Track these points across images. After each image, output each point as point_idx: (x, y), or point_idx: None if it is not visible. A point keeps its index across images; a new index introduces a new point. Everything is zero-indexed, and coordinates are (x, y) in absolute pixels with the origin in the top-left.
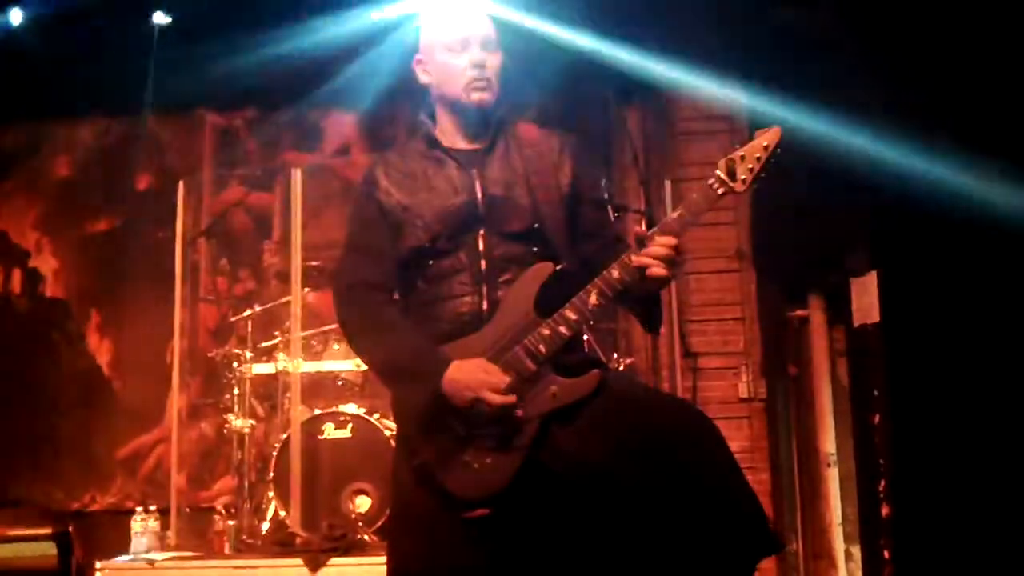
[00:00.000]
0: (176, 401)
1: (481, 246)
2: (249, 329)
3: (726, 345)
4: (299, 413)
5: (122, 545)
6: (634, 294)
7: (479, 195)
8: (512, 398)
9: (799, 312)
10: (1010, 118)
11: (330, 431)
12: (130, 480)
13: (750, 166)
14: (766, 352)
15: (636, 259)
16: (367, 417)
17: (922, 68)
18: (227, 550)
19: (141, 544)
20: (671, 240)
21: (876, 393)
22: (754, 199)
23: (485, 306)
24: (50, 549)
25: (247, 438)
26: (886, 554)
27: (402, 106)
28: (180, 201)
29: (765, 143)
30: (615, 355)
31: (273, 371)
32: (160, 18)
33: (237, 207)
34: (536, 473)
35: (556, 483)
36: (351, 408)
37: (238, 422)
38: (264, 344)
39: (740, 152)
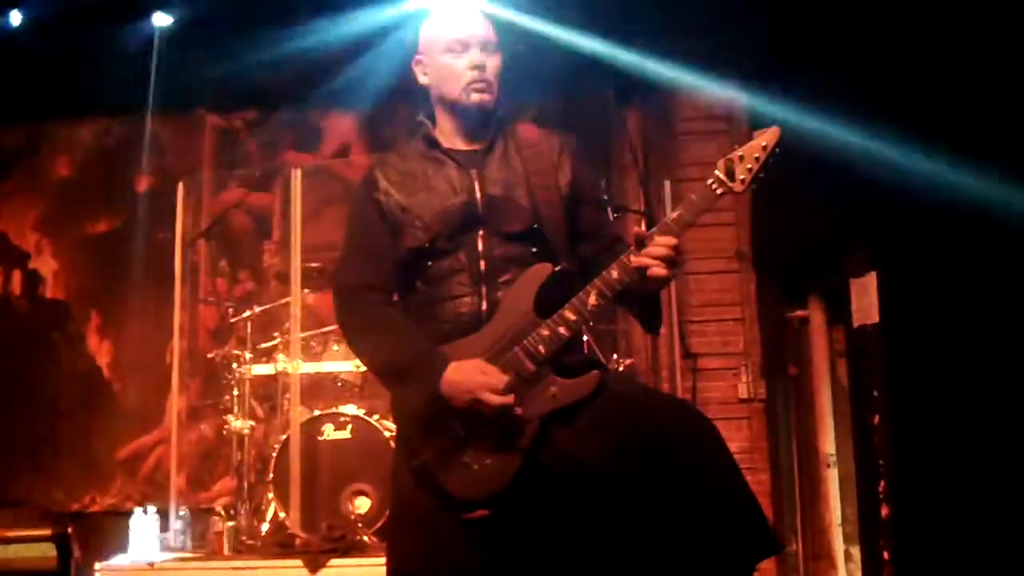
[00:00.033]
0: (176, 402)
1: (480, 247)
2: (249, 330)
3: (726, 346)
4: (299, 414)
5: (121, 546)
6: (633, 295)
7: (478, 196)
8: (510, 398)
9: (799, 313)
10: (1010, 119)
11: (329, 432)
12: (130, 481)
13: (749, 166)
14: (766, 353)
15: (635, 259)
16: (367, 418)
17: (922, 68)
18: (226, 551)
19: (140, 545)
20: (670, 240)
21: (876, 394)
22: (754, 199)
23: (484, 307)
24: (49, 550)
25: (247, 439)
26: (885, 555)
27: (401, 107)
28: (180, 202)
29: (764, 143)
30: (615, 356)
31: (273, 372)
32: (160, 19)
33: (237, 208)
34: (536, 474)
35: (556, 484)
36: (351, 409)
37: (238, 423)
38: (264, 345)
39: (739, 152)
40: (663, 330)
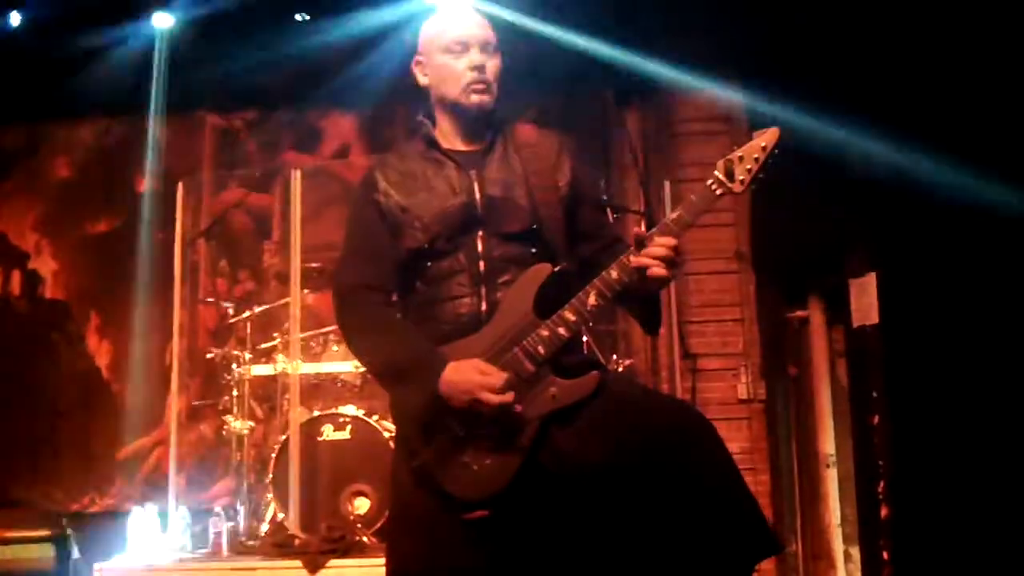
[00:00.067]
0: (175, 402)
1: (480, 247)
2: (248, 330)
3: (725, 346)
4: (298, 415)
5: (121, 547)
6: (633, 295)
7: (477, 196)
8: (510, 396)
9: (798, 313)
10: (1010, 119)
11: (329, 433)
12: (129, 482)
13: (748, 167)
14: (765, 353)
15: (635, 260)
16: (366, 419)
17: (922, 69)
18: (226, 552)
19: (140, 546)
20: (670, 241)
21: (875, 394)
22: (753, 200)
23: (484, 307)
24: (49, 551)
25: (246, 440)
26: (885, 555)
27: (401, 107)
28: (180, 202)
29: (763, 144)
30: (614, 356)
31: (272, 373)
32: (161, 19)
33: (237, 208)
34: (535, 474)
35: (555, 484)
36: (350, 410)
37: (237, 424)
38: (263, 346)
39: (738, 153)
40: (663, 331)
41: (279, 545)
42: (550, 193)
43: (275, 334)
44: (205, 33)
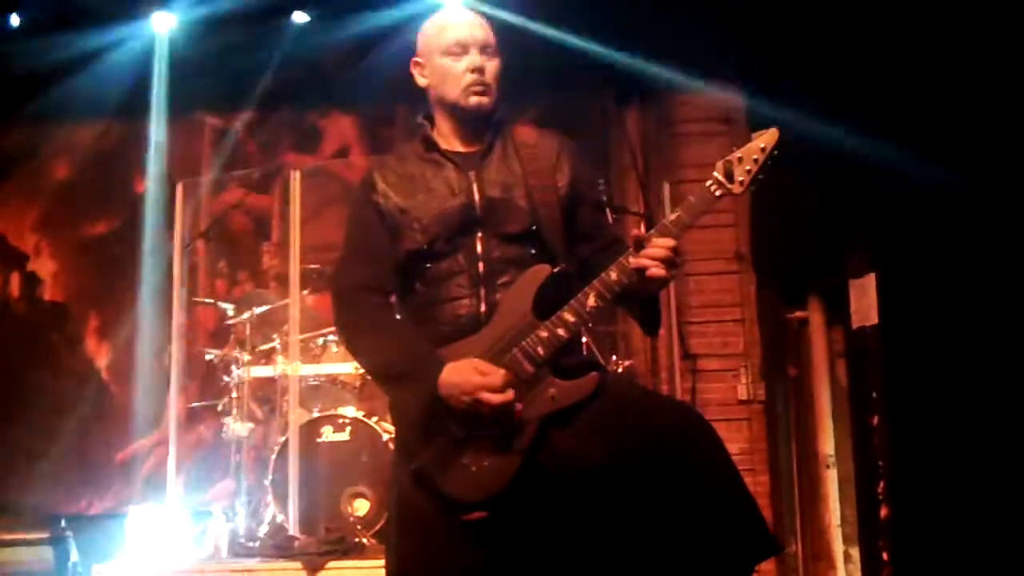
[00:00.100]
0: (174, 404)
1: (479, 248)
2: (247, 332)
3: (725, 347)
4: (297, 416)
5: (120, 549)
6: (632, 296)
7: (477, 197)
8: (510, 395)
9: (798, 314)
10: (1010, 119)
11: (328, 434)
12: (128, 483)
13: (748, 168)
14: (765, 354)
15: (634, 261)
16: (365, 420)
17: (922, 69)
18: (225, 553)
19: (138, 548)
20: (669, 242)
21: (875, 395)
22: (753, 201)
23: (483, 308)
24: (47, 553)
25: (245, 441)
26: (885, 556)
27: (401, 108)
28: (179, 203)
29: (763, 144)
30: (614, 357)
31: (272, 374)
32: (161, 20)
33: (236, 209)
34: (535, 475)
35: (555, 485)
36: (349, 411)
37: (236, 425)
38: (263, 347)
39: (738, 154)
40: (662, 331)
41: (278, 546)
42: (549, 194)
43: (274, 335)
44: (205, 33)
